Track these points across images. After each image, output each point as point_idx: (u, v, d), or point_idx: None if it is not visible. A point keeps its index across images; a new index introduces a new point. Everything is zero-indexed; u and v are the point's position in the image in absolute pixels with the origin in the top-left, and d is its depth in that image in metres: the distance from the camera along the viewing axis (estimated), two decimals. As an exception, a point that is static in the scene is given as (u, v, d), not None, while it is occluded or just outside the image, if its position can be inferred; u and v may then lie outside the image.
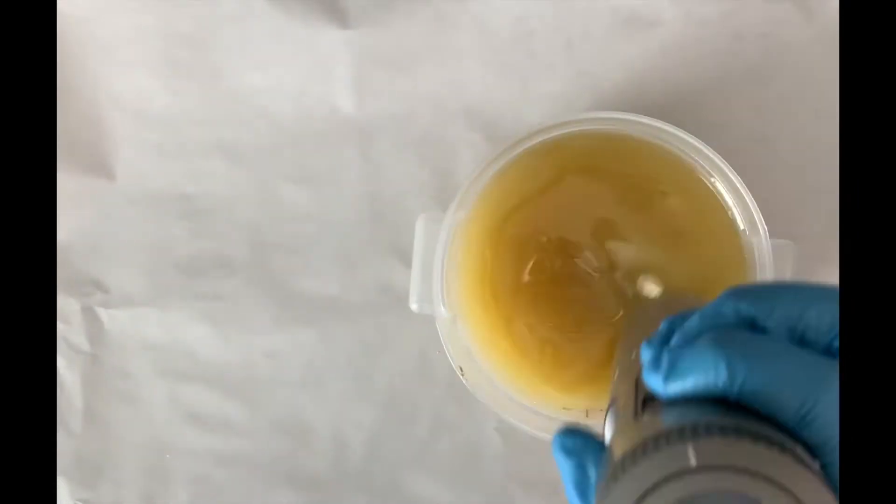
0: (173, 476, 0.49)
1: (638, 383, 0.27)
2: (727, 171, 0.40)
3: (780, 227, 0.41)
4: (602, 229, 0.42)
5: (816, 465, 0.22)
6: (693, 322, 0.26)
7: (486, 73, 0.47)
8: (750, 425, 0.22)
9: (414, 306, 0.43)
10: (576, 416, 0.42)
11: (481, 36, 0.47)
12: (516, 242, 0.42)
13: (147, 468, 0.49)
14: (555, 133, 0.41)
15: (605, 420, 0.29)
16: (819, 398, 0.22)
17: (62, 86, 0.48)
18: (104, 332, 0.49)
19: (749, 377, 0.23)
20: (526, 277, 0.42)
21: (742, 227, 0.41)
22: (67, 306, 0.49)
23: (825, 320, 0.24)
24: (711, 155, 0.40)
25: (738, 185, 0.40)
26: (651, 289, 0.41)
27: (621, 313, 0.41)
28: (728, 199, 0.41)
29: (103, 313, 0.49)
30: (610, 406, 0.29)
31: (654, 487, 0.21)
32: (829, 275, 0.45)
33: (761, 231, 0.40)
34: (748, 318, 0.25)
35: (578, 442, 0.26)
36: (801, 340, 0.24)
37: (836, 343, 0.24)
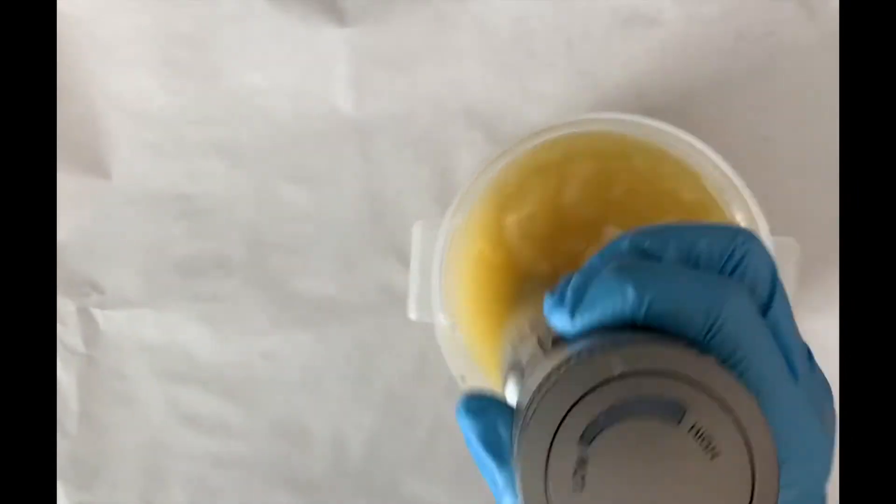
0: (170, 478, 0.49)
1: (541, 337, 0.27)
2: (727, 170, 0.40)
3: (781, 226, 0.41)
4: (603, 231, 0.42)
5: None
6: (592, 261, 0.26)
7: (486, 73, 0.47)
8: (665, 338, 0.22)
9: (413, 315, 0.43)
10: None
11: (481, 36, 0.47)
12: (516, 247, 0.42)
13: (144, 470, 0.49)
14: (552, 135, 0.41)
15: (504, 388, 0.29)
16: (721, 311, 0.23)
17: (60, 85, 0.48)
18: (100, 334, 0.49)
19: (656, 296, 0.23)
20: (526, 282, 0.42)
21: (743, 225, 0.41)
22: (63, 307, 0.49)
23: (715, 249, 0.25)
24: (711, 155, 0.40)
25: (738, 184, 0.40)
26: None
27: None
28: (728, 197, 0.41)
29: (99, 314, 0.49)
30: (508, 373, 0.29)
31: (580, 399, 0.21)
32: (831, 274, 0.45)
33: (762, 229, 0.40)
34: (643, 251, 0.26)
35: (485, 403, 0.25)
36: (695, 268, 0.25)
37: (727, 270, 0.25)
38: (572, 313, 0.24)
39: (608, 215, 0.42)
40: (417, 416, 0.48)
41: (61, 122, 0.48)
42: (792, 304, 0.27)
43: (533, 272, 0.42)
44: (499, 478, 0.24)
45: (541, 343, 0.26)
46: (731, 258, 0.25)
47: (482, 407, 0.25)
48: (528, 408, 0.21)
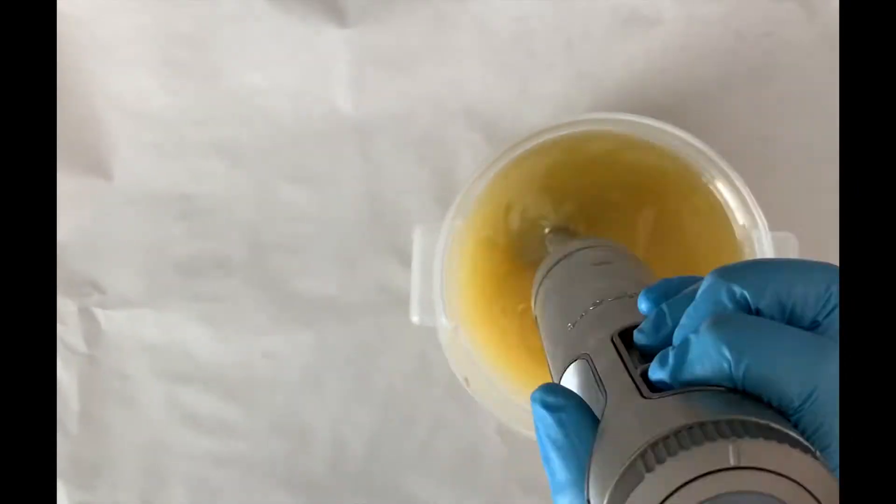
0: (171, 477, 0.48)
1: (621, 350, 0.27)
2: (726, 168, 0.40)
3: (781, 224, 0.41)
4: (604, 230, 0.42)
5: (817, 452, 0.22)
6: (689, 312, 0.26)
7: (486, 73, 0.47)
8: (777, 422, 0.22)
9: (415, 318, 0.43)
10: None
11: (481, 36, 0.47)
12: (517, 246, 0.42)
13: (144, 469, 0.49)
14: (552, 136, 0.41)
15: (556, 368, 0.29)
16: (819, 382, 0.23)
17: (60, 85, 0.48)
18: (101, 333, 0.49)
19: (752, 362, 0.23)
20: (529, 283, 0.42)
21: (742, 221, 0.41)
22: (64, 307, 0.49)
23: (811, 295, 0.25)
24: (710, 154, 0.40)
25: (737, 182, 0.40)
26: None
27: None
28: (727, 195, 0.41)
29: (100, 314, 0.49)
30: (569, 358, 0.29)
31: (691, 481, 0.21)
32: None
33: (761, 225, 0.40)
34: (741, 297, 0.25)
35: (562, 401, 0.26)
36: (790, 316, 0.25)
37: (821, 317, 0.25)
38: (674, 377, 0.24)
39: (609, 214, 0.42)
40: (417, 416, 0.48)
41: (62, 123, 0.48)
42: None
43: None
44: (560, 475, 0.25)
45: (621, 356, 0.27)
46: (826, 306, 0.25)
47: (559, 406, 0.26)
48: (630, 468, 0.22)
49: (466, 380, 0.42)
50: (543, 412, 0.26)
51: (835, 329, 0.24)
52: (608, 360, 0.27)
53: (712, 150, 0.40)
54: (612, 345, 0.27)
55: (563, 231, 0.41)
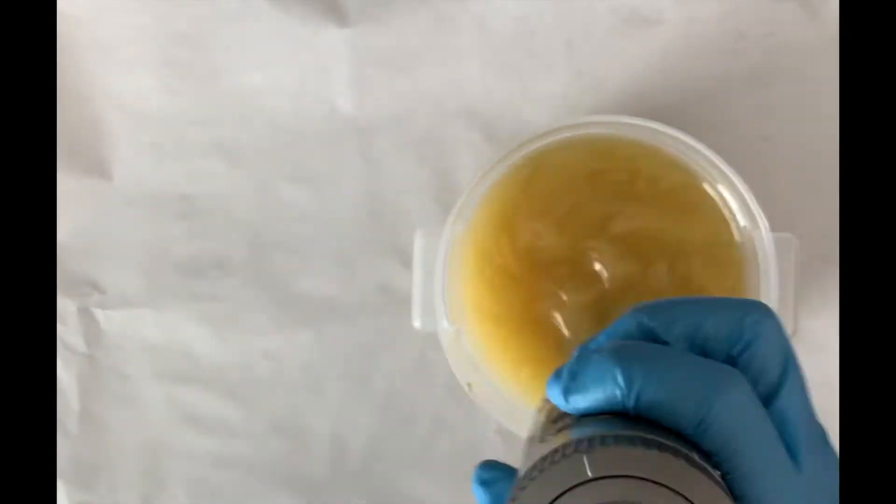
0: (171, 478, 0.49)
1: (549, 410, 0.27)
2: (726, 170, 0.40)
3: (781, 225, 0.41)
4: (605, 233, 0.42)
5: (716, 473, 0.22)
6: (597, 339, 0.26)
7: (486, 73, 0.47)
8: (648, 435, 0.22)
9: (417, 324, 0.43)
10: None
11: (481, 36, 0.47)
12: (519, 252, 0.42)
13: (144, 470, 0.49)
14: (552, 138, 0.41)
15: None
16: (713, 403, 0.22)
17: (60, 85, 0.48)
18: (101, 333, 0.49)
19: (644, 386, 0.23)
20: (532, 286, 0.42)
21: (742, 223, 0.41)
22: (64, 307, 0.48)
23: (723, 331, 0.24)
24: (711, 156, 0.40)
25: (738, 184, 0.40)
26: None
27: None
28: (728, 197, 0.41)
29: (100, 314, 0.49)
30: (525, 443, 0.29)
31: (553, 501, 0.21)
32: (831, 273, 0.45)
33: (762, 227, 0.40)
34: (649, 331, 0.25)
35: (495, 474, 0.26)
36: (702, 352, 0.25)
37: (734, 352, 0.24)
38: (566, 392, 0.24)
39: (610, 217, 0.42)
40: (417, 416, 0.48)
41: (61, 123, 0.48)
42: (792, 302, 0.27)
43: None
44: None
45: (548, 417, 0.27)
46: (740, 340, 0.24)
47: (494, 478, 0.26)
48: (510, 500, 0.22)
49: (469, 385, 0.41)
50: (480, 489, 0.26)
51: (753, 366, 0.24)
52: (536, 425, 0.27)
53: (713, 152, 0.40)
54: (546, 412, 0.27)
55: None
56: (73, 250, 0.49)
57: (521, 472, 0.24)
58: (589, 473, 0.21)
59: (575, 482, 0.21)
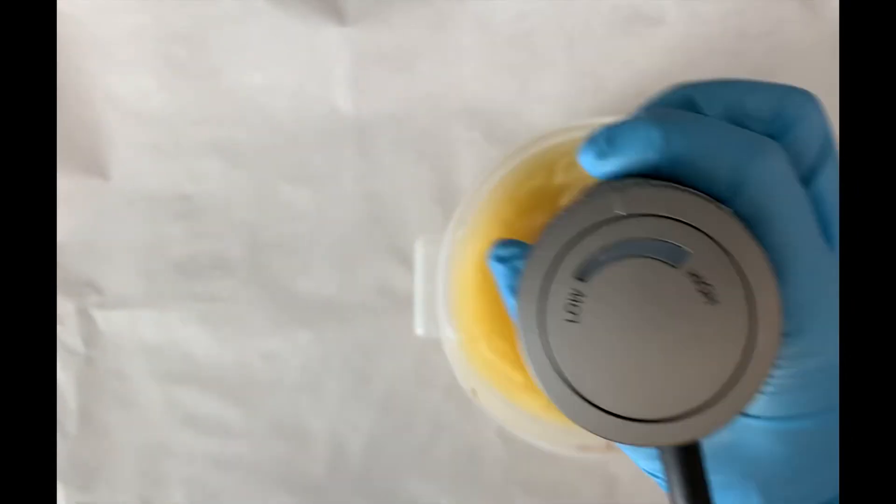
0: (170, 478, 0.48)
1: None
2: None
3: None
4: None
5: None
6: (638, 110, 0.26)
7: (486, 72, 0.47)
8: (681, 186, 0.22)
9: (419, 330, 0.43)
10: None
11: (481, 35, 0.47)
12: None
13: (143, 471, 0.48)
14: (552, 141, 0.41)
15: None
16: (750, 166, 0.22)
17: (60, 85, 0.48)
18: (99, 334, 0.49)
19: (682, 146, 0.22)
20: None
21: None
22: (62, 307, 0.48)
23: (764, 109, 0.24)
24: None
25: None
26: None
27: None
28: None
29: (98, 315, 0.49)
30: None
31: (582, 234, 0.21)
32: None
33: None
34: (690, 103, 0.25)
35: (512, 250, 0.26)
36: (740, 126, 0.24)
37: (774, 131, 0.24)
38: (600, 155, 0.23)
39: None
40: (417, 417, 0.48)
41: (61, 123, 0.48)
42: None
43: None
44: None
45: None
46: (780, 119, 0.24)
47: (511, 254, 0.26)
48: (529, 256, 0.22)
49: (474, 391, 0.41)
50: (497, 265, 0.26)
51: (793, 147, 0.24)
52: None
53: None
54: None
55: None
56: (71, 250, 0.49)
57: None
58: (619, 210, 0.21)
59: (605, 217, 0.21)
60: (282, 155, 0.48)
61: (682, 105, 0.25)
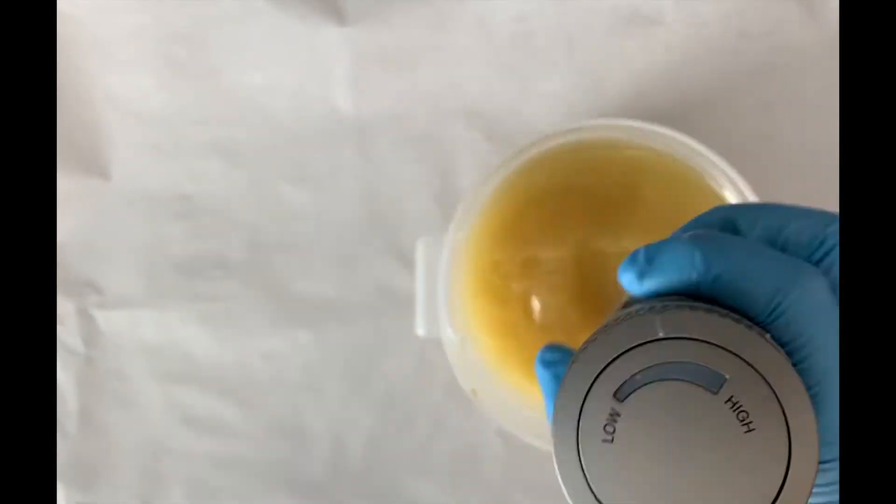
0: (170, 478, 0.48)
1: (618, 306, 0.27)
2: (728, 171, 0.40)
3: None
4: (608, 238, 0.42)
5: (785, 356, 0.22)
6: (678, 230, 0.26)
7: (487, 72, 0.47)
8: (720, 309, 0.22)
9: (420, 331, 0.43)
10: None
11: (481, 35, 0.47)
12: (521, 258, 0.42)
13: (143, 470, 0.48)
14: (553, 143, 0.41)
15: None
16: (789, 292, 0.22)
17: (60, 85, 0.48)
18: (99, 334, 0.49)
19: (723, 268, 0.23)
20: (534, 292, 0.42)
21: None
22: (62, 307, 0.48)
23: (804, 236, 0.24)
24: (714, 157, 0.40)
25: (740, 184, 0.40)
26: None
27: None
28: (730, 197, 0.41)
29: (98, 315, 0.49)
30: None
31: (620, 356, 0.21)
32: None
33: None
34: (731, 226, 0.25)
35: (558, 355, 0.26)
36: (780, 250, 0.24)
37: (814, 258, 0.24)
38: (641, 275, 0.24)
39: (612, 222, 0.42)
40: (417, 417, 0.48)
41: (61, 123, 0.48)
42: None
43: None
44: None
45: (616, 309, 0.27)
46: (822, 246, 0.24)
47: (554, 359, 0.26)
48: (573, 363, 0.22)
49: (474, 391, 0.41)
50: (542, 369, 0.26)
51: (832, 273, 0.24)
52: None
53: (716, 154, 0.40)
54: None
55: None
56: (71, 250, 0.49)
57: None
58: (659, 333, 0.21)
59: (644, 340, 0.21)
60: (282, 155, 0.48)
61: (722, 226, 0.25)
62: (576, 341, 0.40)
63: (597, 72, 0.47)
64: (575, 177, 0.42)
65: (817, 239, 0.24)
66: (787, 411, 0.21)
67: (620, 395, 0.21)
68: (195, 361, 0.48)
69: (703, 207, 0.41)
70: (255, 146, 0.48)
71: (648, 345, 0.21)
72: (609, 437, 0.21)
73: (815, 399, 0.22)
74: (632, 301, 0.26)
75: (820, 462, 0.21)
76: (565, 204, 0.42)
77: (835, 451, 0.23)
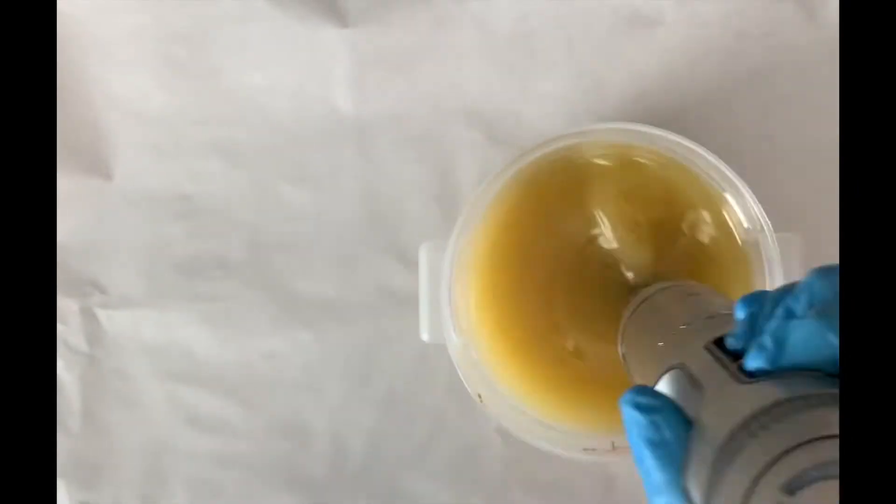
0: (172, 477, 0.49)
1: (715, 353, 0.27)
2: (729, 173, 0.40)
3: (782, 225, 0.41)
4: (612, 243, 0.42)
5: None
6: (788, 302, 0.26)
7: (486, 73, 0.47)
8: None
9: (425, 337, 0.43)
10: (599, 430, 0.41)
11: (481, 35, 0.47)
12: (524, 262, 0.42)
13: (146, 469, 0.49)
14: (555, 146, 0.41)
15: (648, 381, 0.29)
16: None
17: (60, 85, 0.48)
18: (102, 333, 0.49)
19: None
20: (537, 295, 0.42)
21: (746, 225, 0.41)
22: (65, 307, 0.49)
23: None
24: (713, 160, 0.40)
25: (740, 185, 0.40)
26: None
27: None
28: (731, 198, 0.41)
29: (101, 314, 0.49)
30: (663, 370, 0.29)
31: (795, 448, 0.21)
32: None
33: (766, 229, 0.40)
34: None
35: (656, 402, 0.26)
36: None
37: None
38: (773, 363, 0.24)
39: (617, 223, 0.41)
40: (417, 416, 0.48)
41: (61, 123, 0.48)
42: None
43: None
44: (657, 476, 0.25)
45: (717, 358, 0.26)
46: None
47: (652, 407, 0.26)
48: (729, 442, 0.21)
49: (480, 396, 0.41)
50: (636, 414, 0.26)
51: None
52: (703, 362, 0.27)
53: (715, 156, 0.40)
54: (705, 350, 0.27)
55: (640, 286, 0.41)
56: (74, 250, 0.49)
57: (710, 409, 0.24)
58: (831, 430, 0.21)
59: (816, 436, 0.21)
60: (282, 155, 0.48)
61: (832, 294, 0.25)
62: (578, 344, 0.41)
63: (597, 72, 0.47)
64: (576, 180, 0.42)
65: None
66: None
67: (788, 491, 0.20)
68: (196, 361, 0.48)
69: (703, 208, 0.41)
70: (256, 146, 0.48)
71: (819, 441, 0.21)
72: None
73: None
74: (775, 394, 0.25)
75: None
76: (567, 207, 0.42)
77: None
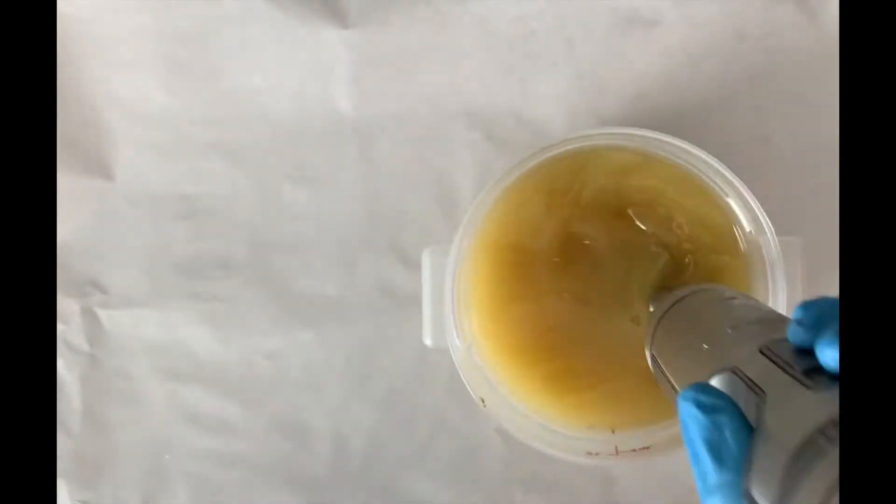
0: (173, 477, 0.49)
1: (774, 357, 0.26)
2: (730, 176, 0.40)
3: (783, 225, 0.41)
4: (614, 241, 0.42)
5: None
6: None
7: (486, 73, 0.47)
8: None
9: (428, 341, 0.43)
10: (602, 434, 0.41)
11: (481, 36, 0.47)
12: (527, 265, 0.42)
13: (146, 469, 0.49)
14: (556, 151, 0.41)
15: (670, 385, 0.29)
16: None
17: (60, 85, 0.48)
18: (103, 333, 0.49)
19: None
20: (540, 299, 0.42)
21: (748, 228, 0.41)
22: (66, 307, 0.49)
23: None
24: (715, 163, 0.40)
25: (742, 189, 0.40)
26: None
27: (640, 328, 0.41)
28: (733, 202, 0.41)
29: (102, 314, 0.49)
30: (716, 370, 0.28)
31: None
32: (834, 273, 0.45)
33: (767, 231, 0.40)
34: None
35: (718, 403, 0.25)
36: None
37: None
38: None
39: (619, 226, 0.41)
40: (418, 415, 0.48)
41: (61, 123, 0.48)
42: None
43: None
44: (713, 477, 0.24)
45: (776, 362, 0.26)
46: None
47: (714, 406, 0.25)
48: (805, 447, 0.21)
49: (482, 400, 0.41)
50: (697, 412, 0.25)
51: None
52: (761, 366, 0.26)
53: (716, 159, 0.40)
54: (762, 354, 0.27)
55: (663, 288, 0.40)
56: (75, 250, 0.49)
57: (775, 412, 0.24)
58: None
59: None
60: (283, 155, 0.48)
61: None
62: (580, 346, 0.41)
63: (596, 72, 0.47)
64: (578, 185, 0.42)
65: None
66: None
67: None
68: (197, 360, 0.49)
69: (703, 209, 0.41)
70: (257, 147, 0.48)
71: None
72: None
73: None
74: (814, 368, 0.25)
75: None
76: (569, 212, 0.42)
77: None
